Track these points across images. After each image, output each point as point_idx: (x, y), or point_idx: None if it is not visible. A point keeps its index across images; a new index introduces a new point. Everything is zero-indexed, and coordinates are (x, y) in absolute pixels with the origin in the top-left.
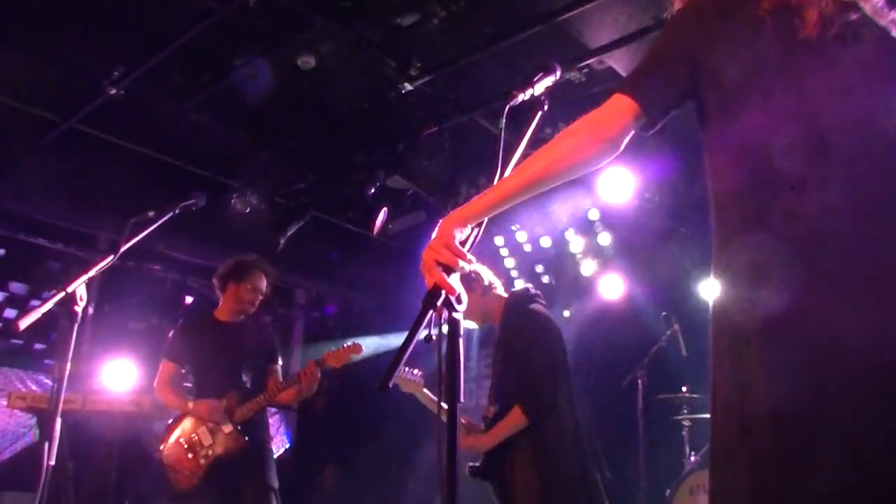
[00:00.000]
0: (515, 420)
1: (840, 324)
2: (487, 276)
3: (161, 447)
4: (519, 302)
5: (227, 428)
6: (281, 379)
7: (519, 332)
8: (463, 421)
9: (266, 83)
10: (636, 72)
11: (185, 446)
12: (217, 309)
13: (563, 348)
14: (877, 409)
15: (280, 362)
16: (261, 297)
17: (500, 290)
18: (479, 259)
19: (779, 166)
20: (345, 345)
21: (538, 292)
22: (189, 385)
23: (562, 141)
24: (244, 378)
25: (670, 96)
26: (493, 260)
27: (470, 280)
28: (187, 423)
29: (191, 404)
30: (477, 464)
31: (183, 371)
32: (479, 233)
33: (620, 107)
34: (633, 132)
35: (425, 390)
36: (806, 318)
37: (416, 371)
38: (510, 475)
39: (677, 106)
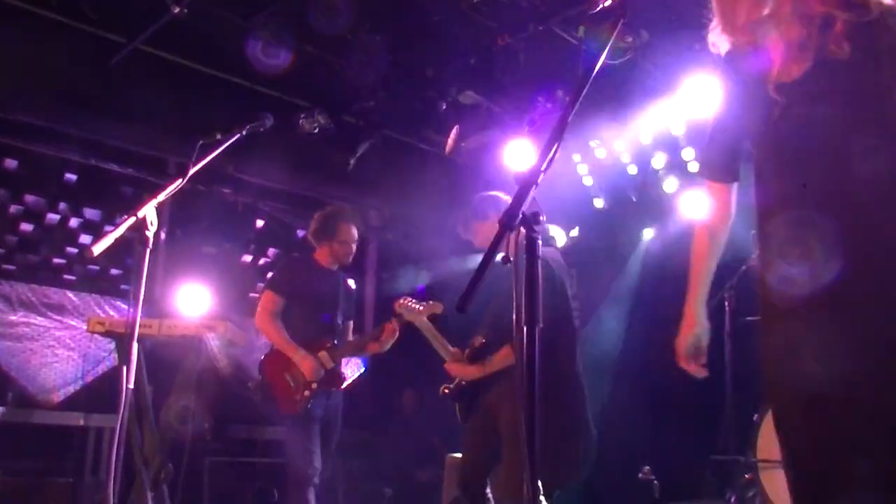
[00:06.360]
0: (505, 358)
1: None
2: (505, 205)
3: (263, 374)
4: None
5: (329, 365)
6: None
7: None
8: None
9: None
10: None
11: (292, 382)
12: (317, 253)
13: (567, 294)
14: None
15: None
16: (355, 247)
17: None
18: (554, 176)
19: None
20: (428, 302)
21: (552, 235)
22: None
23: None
24: (338, 322)
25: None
26: (572, 177)
27: (486, 208)
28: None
29: (299, 356)
30: (451, 386)
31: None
32: (557, 150)
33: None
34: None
35: (426, 319)
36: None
37: (424, 303)
38: (496, 407)
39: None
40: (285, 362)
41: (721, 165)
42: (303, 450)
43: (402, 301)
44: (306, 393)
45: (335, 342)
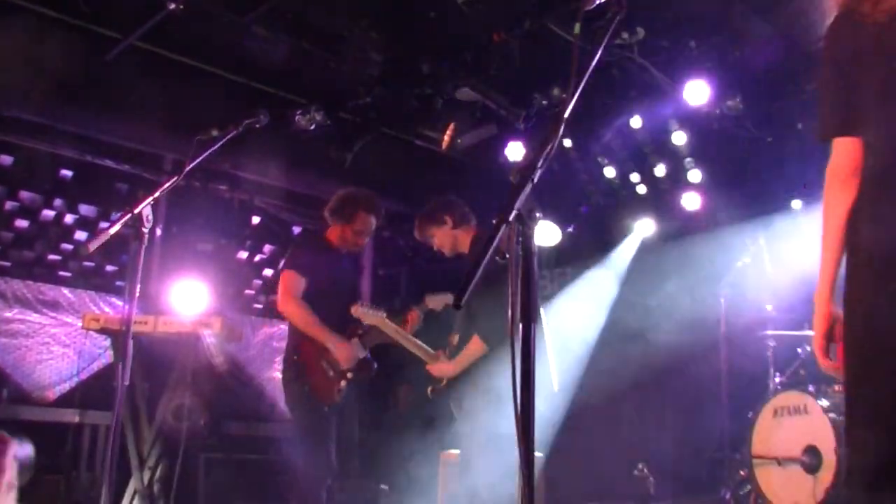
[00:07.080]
0: (474, 348)
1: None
2: (460, 209)
3: (299, 358)
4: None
5: (363, 354)
6: None
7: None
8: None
9: None
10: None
11: (330, 371)
12: (328, 231)
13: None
14: None
15: None
16: (368, 237)
17: (472, 223)
18: (549, 173)
19: None
20: (411, 310)
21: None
22: None
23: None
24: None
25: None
26: (568, 174)
27: (442, 212)
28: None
29: (334, 342)
30: (438, 386)
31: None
32: (553, 146)
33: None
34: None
35: (386, 320)
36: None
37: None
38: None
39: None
40: (320, 348)
41: (851, 117)
42: (324, 449)
43: (356, 306)
44: (343, 382)
45: (366, 328)
